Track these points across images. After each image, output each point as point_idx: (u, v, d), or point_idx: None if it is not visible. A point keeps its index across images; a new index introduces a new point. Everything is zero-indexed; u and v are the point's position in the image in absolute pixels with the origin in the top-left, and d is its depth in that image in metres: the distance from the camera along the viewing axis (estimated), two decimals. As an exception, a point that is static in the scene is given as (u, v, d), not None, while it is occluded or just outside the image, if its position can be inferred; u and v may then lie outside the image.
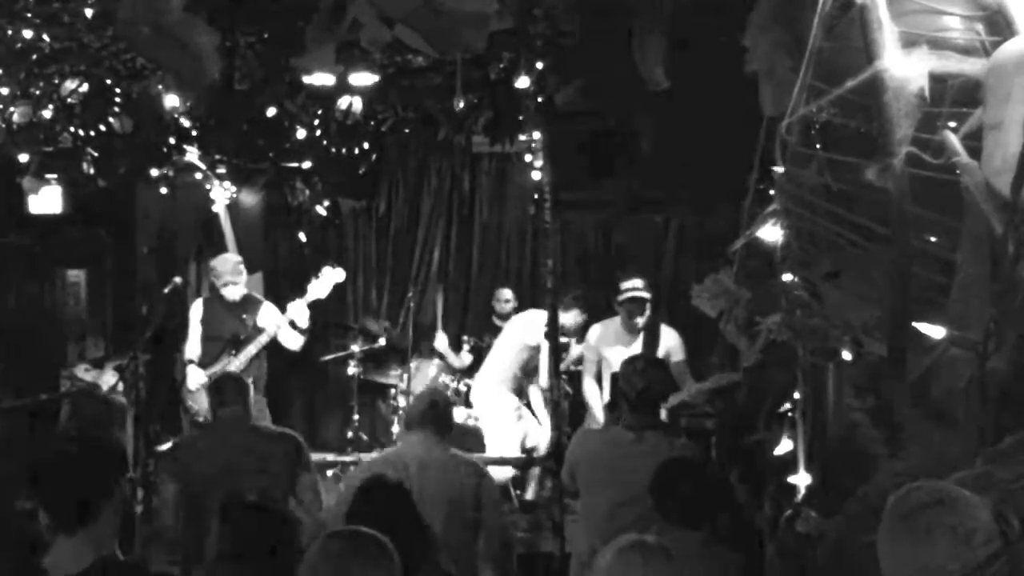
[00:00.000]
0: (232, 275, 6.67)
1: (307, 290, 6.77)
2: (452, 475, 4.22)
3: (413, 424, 4.36)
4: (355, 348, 7.98)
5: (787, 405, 4.29)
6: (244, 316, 6.63)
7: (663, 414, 5.63)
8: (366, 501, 3.43)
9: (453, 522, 4.12)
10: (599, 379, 6.34)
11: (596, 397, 6.30)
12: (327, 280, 6.82)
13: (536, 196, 8.31)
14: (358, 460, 6.88)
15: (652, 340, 6.18)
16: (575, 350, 7.78)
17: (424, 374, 7.91)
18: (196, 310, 6.82)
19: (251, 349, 6.56)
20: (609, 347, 6.28)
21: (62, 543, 2.62)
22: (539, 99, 6.46)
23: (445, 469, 4.22)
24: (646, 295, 6.17)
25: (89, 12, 5.45)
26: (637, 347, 6.18)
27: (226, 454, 4.56)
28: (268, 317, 6.66)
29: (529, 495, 7.08)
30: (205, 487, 4.44)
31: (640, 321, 6.18)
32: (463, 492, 4.20)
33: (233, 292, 6.67)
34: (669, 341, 6.23)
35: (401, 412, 7.40)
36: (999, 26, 3.05)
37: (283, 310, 6.69)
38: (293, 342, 6.68)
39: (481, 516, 4.21)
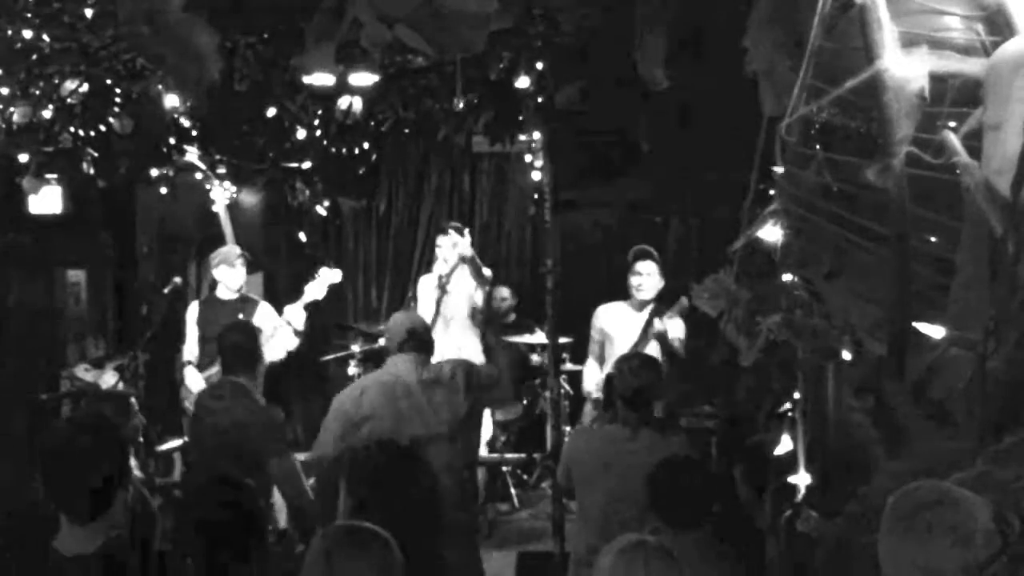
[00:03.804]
0: (236, 257, 6.68)
1: (304, 291, 6.76)
2: (452, 386, 4.46)
3: (397, 348, 4.54)
4: (355, 348, 7.97)
5: (787, 405, 4.29)
6: (240, 317, 6.62)
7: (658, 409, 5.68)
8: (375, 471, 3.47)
9: (462, 431, 4.40)
10: (602, 360, 6.35)
11: (593, 376, 6.31)
12: (324, 281, 6.80)
13: (536, 196, 8.34)
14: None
15: (655, 317, 6.17)
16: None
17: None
18: (192, 312, 6.82)
19: (248, 349, 6.54)
20: (613, 323, 6.31)
21: (71, 530, 2.64)
22: (539, 99, 6.47)
23: (444, 383, 4.46)
24: (651, 268, 6.21)
25: (89, 12, 5.45)
26: (642, 323, 6.19)
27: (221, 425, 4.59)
28: (265, 318, 6.65)
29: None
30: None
31: (642, 295, 6.19)
32: (459, 397, 4.45)
33: (236, 278, 6.66)
34: (672, 326, 6.19)
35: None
36: (999, 26, 3.05)
37: (281, 311, 6.68)
38: (290, 343, 6.67)
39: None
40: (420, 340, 4.55)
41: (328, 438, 4.32)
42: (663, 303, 6.25)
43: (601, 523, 4.14)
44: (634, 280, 6.24)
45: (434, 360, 6.80)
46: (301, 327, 6.65)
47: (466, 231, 6.92)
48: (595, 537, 4.09)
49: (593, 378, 6.30)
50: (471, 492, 4.68)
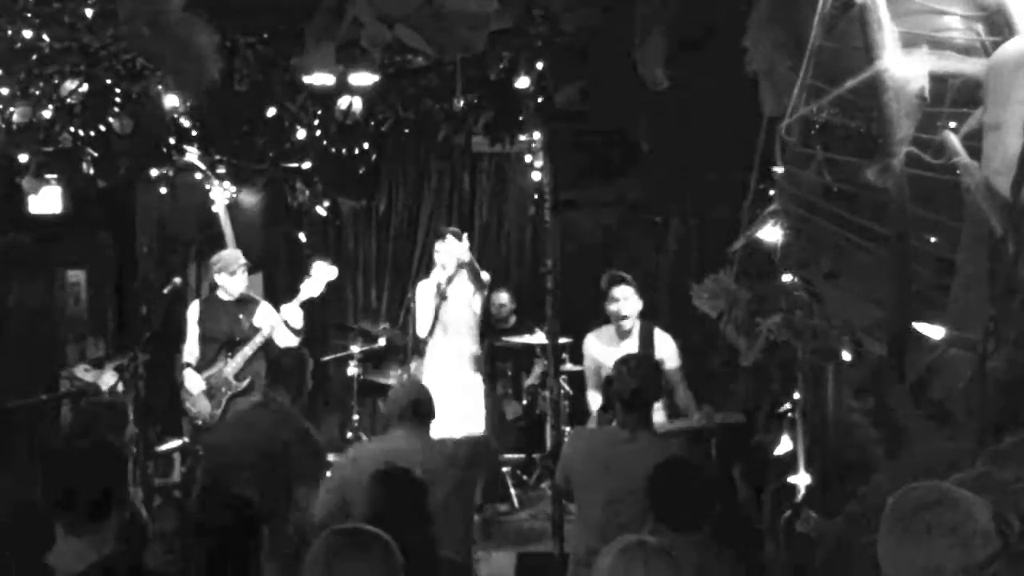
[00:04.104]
0: (238, 265, 6.67)
1: (300, 289, 6.75)
2: (455, 463, 4.31)
3: (399, 419, 4.40)
4: (355, 348, 7.98)
5: (787, 405, 4.29)
6: (240, 316, 6.61)
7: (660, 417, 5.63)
8: (384, 489, 3.47)
9: (457, 504, 4.25)
10: (600, 388, 6.30)
11: (597, 403, 6.30)
12: (319, 278, 6.78)
13: (536, 196, 8.34)
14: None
15: (647, 346, 6.04)
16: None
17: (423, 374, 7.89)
18: (193, 311, 6.81)
19: (247, 351, 6.53)
20: (604, 353, 6.12)
21: (67, 541, 2.63)
22: (539, 99, 6.47)
23: (446, 459, 4.29)
24: (627, 293, 6.08)
25: (89, 12, 5.45)
26: (630, 348, 6.02)
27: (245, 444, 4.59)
28: (264, 317, 6.64)
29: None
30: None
31: (626, 324, 6.07)
32: (468, 476, 4.31)
33: (236, 285, 6.65)
34: (664, 347, 6.06)
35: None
36: (999, 26, 3.05)
37: (279, 311, 6.67)
38: (289, 342, 6.66)
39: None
40: (423, 412, 4.43)
41: (320, 509, 4.27)
42: (647, 318, 6.18)
43: (601, 524, 4.13)
44: (613, 307, 6.07)
45: (434, 362, 6.89)
46: (299, 325, 6.64)
47: (464, 235, 6.90)
48: (595, 539, 4.08)
49: (597, 404, 6.26)
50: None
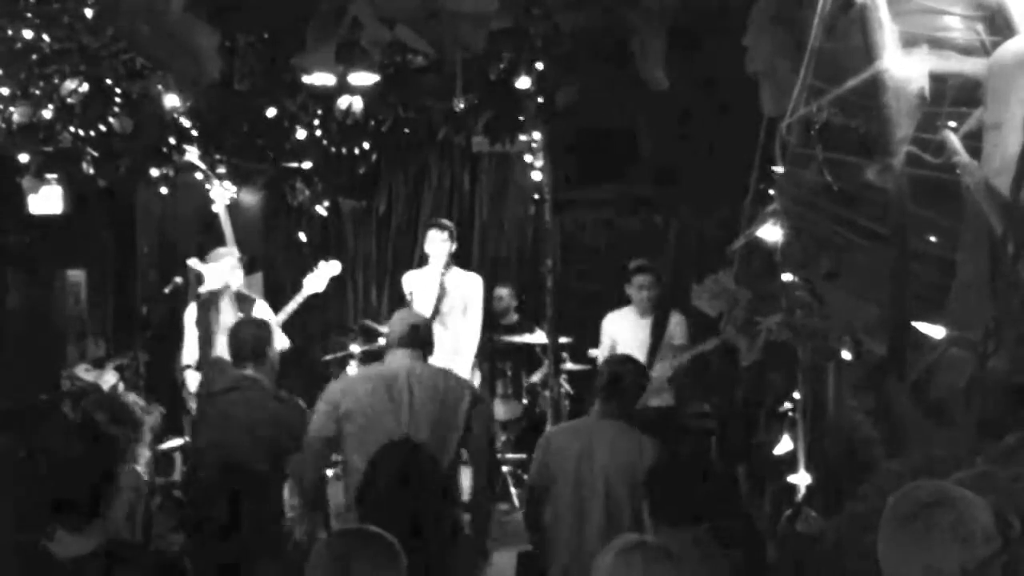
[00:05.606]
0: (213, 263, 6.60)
1: (303, 284, 6.74)
2: (442, 385, 4.30)
3: (396, 343, 4.41)
4: (355, 348, 7.98)
5: (787, 405, 4.29)
6: (240, 315, 6.59)
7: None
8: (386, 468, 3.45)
9: (439, 429, 4.20)
10: None
11: None
12: (323, 274, 6.78)
13: (536, 196, 8.34)
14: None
15: (661, 324, 6.49)
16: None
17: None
18: (191, 312, 6.79)
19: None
20: (622, 331, 6.57)
21: (66, 535, 2.64)
22: (539, 99, 6.47)
23: (435, 380, 4.30)
24: (652, 278, 6.54)
25: (89, 12, 5.45)
26: (647, 327, 6.49)
27: (240, 420, 4.52)
28: (262, 316, 6.62)
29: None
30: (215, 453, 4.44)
31: (648, 295, 6.48)
32: (453, 405, 4.25)
33: (211, 282, 6.59)
34: (676, 326, 6.53)
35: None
36: (999, 26, 3.05)
37: (280, 311, 6.65)
38: (283, 342, 6.63)
39: (469, 435, 4.27)
40: (419, 337, 4.46)
41: (317, 422, 4.30)
42: (663, 308, 6.51)
43: (570, 512, 4.15)
44: (634, 291, 6.53)
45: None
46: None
47: (445, 230, 6.93)
48: (565, 529, 4.13)
49: None
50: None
